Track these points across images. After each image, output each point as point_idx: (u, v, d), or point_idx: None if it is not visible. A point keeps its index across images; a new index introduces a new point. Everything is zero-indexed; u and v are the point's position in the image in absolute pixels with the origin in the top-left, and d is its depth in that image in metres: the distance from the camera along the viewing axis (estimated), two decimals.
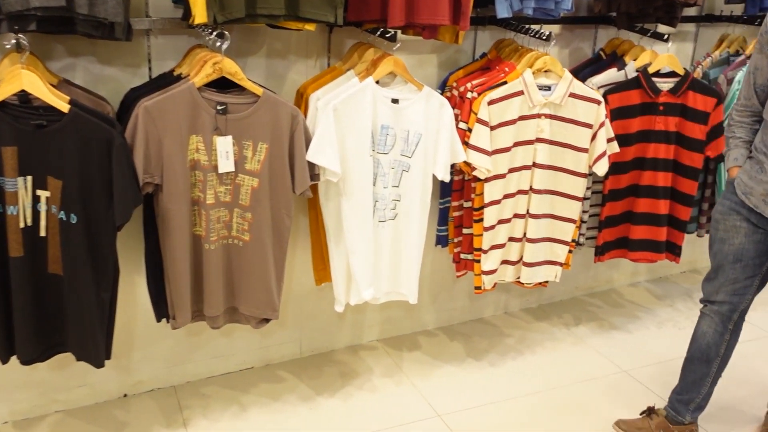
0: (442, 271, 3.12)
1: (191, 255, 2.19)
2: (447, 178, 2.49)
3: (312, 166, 2.24)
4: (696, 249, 3.81)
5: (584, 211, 2.98)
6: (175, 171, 2.09)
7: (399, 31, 2.40)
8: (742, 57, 3.07)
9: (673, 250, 3.01)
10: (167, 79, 2.19)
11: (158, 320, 2.36)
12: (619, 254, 3.07)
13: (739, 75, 2.95)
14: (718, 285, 2.29)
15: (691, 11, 3.21)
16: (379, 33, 2.33)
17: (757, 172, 2.15)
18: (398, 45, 2.33)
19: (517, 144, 2.60)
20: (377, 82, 2.34)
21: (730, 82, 3.01)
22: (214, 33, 2.08)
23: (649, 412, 2.52)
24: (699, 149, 2.85)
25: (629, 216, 2.99)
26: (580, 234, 3.00)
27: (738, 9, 3.22)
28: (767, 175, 2.12)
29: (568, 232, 2.76)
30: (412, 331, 3.17)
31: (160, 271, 2.24)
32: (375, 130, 2.34)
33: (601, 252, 3.05)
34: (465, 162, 2.54)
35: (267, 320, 2.38)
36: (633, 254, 3.04)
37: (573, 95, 2.59)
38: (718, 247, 2.27)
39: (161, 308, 2.31)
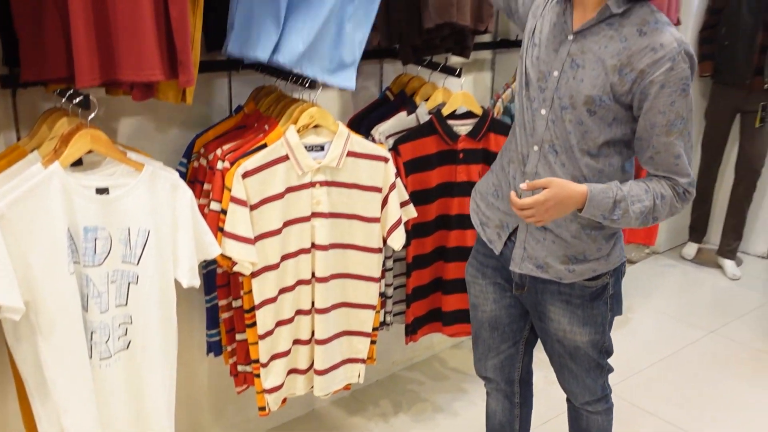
0: (226, 379, 2.45)
1: None
2: (196, 283, 1.84)
3: None
4: None
5: (387, 285, 2.45)
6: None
7: (92, 96, 1.70)
8: None
9: None
10: None
11: None
12: (432, 329, 2.58)
13: None
14: (482, 356, 2.06)
15: (484, 38, 2.80)
16: (67, 96, 1.64)
17: (494, 196, 1.87)
18: (93, 114, 1.65)
19: (288, 223, 2.00)
20: (79, 162, 1.65)
21: None
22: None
23: None
24: None
25: (439, 284, 2.50)
26: (386, 312, 2.47)
27: None
28: (503, 201, 1.82)
29: (367, 320, 2.20)
30: None
31: None
32: (75, 235, 1.64)
33: (412, 330, 2.53)
34: (222, 256, 1.91)
35: None
36: (448, 329, 2.55)
37: (353, 154, 2.04)
38: (473, 314, 2.04)
39: None
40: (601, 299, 1.81)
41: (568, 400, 2.04)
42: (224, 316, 2.18)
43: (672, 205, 1.65)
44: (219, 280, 2.15)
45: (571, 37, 1.66)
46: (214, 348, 2.27)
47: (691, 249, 4.27)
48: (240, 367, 2.20)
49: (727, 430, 2.66)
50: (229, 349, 2.21)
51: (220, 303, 2.17)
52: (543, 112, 1.70)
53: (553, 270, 1.77)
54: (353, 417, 2.75)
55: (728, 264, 4.04)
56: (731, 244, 4.06)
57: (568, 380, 1.95)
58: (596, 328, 1.82)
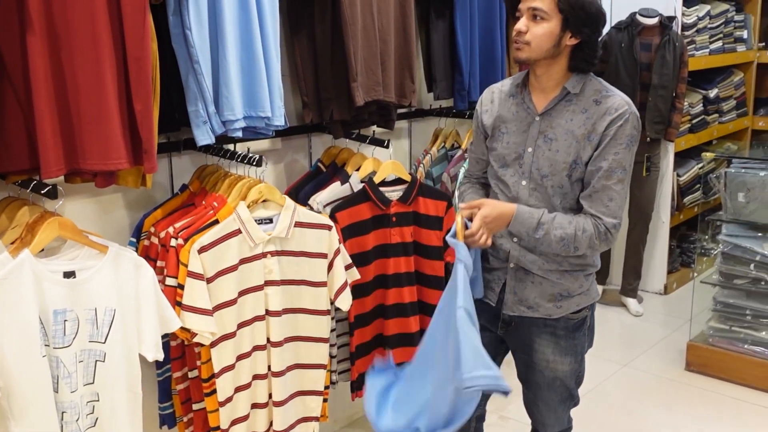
0: None
1: None
2: (160, 357, 1.92)
3: None
4: None
5: (332, 345, 2.57)
6: None
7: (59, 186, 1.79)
8: (460, 152, 2.96)
9: None
10: None
11: None
12: None
13: (462, 170, 2.82)
14: None
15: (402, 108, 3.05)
16: (32, 187, 1.72)
17: (486, 261, 2.06)
18: (60, 202, 1.74)
19: (243, 293, 2.11)
20: (41, 251, 1.72)
21: (454, 179, 2.87)
22: None
23: None
24: (438, 256, 2.62)
25: (380, 340, 2.65)
26: (331, 372, 2.59)
27: (447, 102, 3.14)
28: (488, 260, 2.05)
29: (319, 380, 2.32)
30: None
31: None
32: (45, 318, 1.70)
33: (358, 387, 2.65)
34: (182, 328, 1.99)
35: None
36: None
37: (300, 224, 2.19)
38: None
39: None
40: (581, 330, 2.03)
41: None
42: (180, 387, 2.24)
43: (591, 240, 1.87)
44: (173, 353, 2.22)
45: (538, 118, 1.91)
46: (168, 420, 2.31)
47: None
48: None
49: None
50: (185, 419, 2.26)
51: (175, 375, 2.23)
52: (524, 183, 1.94)
53: (543, 308, 1.99)
54: None
55: (631, 302, 4.40)
56: (632, 283, 4.43)
57: (542, 411, 2.12)
58: (576, 357, 2.03)
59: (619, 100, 1.88)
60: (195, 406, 2.22)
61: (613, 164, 1.85)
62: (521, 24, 1.83)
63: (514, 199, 1.96)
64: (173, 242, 2.05)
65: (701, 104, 4.74)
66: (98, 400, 1.83)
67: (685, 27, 4.35)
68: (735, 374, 3.41)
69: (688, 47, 4.29)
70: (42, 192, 1.70)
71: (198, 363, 2.14)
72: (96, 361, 1.81)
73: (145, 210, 2.23)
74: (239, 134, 2.15)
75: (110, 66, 1.66)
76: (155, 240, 2.13)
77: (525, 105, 1.95)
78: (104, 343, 1.81)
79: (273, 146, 2.65)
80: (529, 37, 1.82)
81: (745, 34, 5.05)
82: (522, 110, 1.95)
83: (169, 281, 2.04)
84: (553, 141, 1.90)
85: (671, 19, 4.10)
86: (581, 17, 1.80)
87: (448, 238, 1.86)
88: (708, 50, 4.66)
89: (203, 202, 2.18)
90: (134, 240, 2.20)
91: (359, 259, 2.48)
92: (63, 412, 1.76)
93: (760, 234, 3.35)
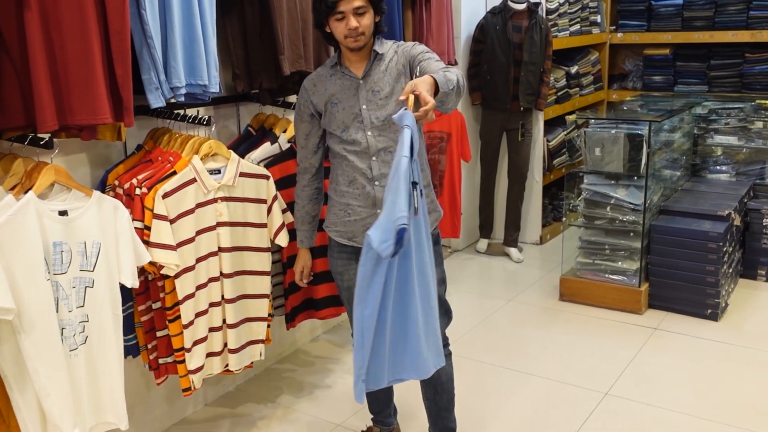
0: (132, 383, 2.83)
1: None
2: (137, 284, 2.29)
3: None
4: None
5: None
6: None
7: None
8: None
9: None
10: None
11: None
12: (307, 316, 3.17)
13: None
14: None
15: None
16: (28, 141, 2.05)
17: (347, 215, 2.40)
18: (56, 151, 2.07)
19: (199, 232, 2.51)
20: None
21: None
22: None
23: None
24: None
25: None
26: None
27: None
28: (357, 212, 2.39)
29: (263, 308, 2.75)
30: None
31: None
32: (47, 249, 2.04)
33: (291, 318, 3.10)
34: (150, 263, 2.36)
35: None
36: (319, 313, 3.16)
37: (243, 174, 2.61)
38: (348, 294, 2.44)
39: None
40: (438, 243, 2.51)
41: None
42: (144, 318, 2.59)
43: (458, 75, 2.23)
44: (136, 288, 2.57)
45: (361, 81, 2.36)
46: (132, 350, 2.66)
47: (482, 244, 5.25)
48: (161, 360, 2.62)
49: (539, 361, 3.52)
50: (149, 346, 2.63)
51: (139, 308, 2.59)
52: (369, 133, 2.35)
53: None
54: (244, 404, 3.22)
55: (513, 251, 5.06)
56: (513, 234, 5.09)
57: None
58: (441, 267, 2.48)
59: (410, 42, 2.41)
60: (159, 334, 2.59)
61: (425, 56, 2.32)
62: (353, 22, 2.26)
63: (366, 149, 2.33)
64: (137, 191, 2.41)
65: (564, 79, 5.46)
66: (88, 321, 2.18)
67: (549, 12, 5.03)
68: (598, 299, 4.11)
69: (552, 29, 4.97)
70: (40, 144, 2.03)
71: (161, 294, 2.51)
72: (86, 287, 2.16)
73: (106, 167, 2.57)
74: (182, 99, 2.52)
75: (96, 38, 2.01)
76: (120, 191, 2.47)
77: (347, 76, 2.35)
78: (92, 271, 2.16)
79: (206, 113, 3.02)
80: (362, 29, 2.28)
81: (599, 18, 5.83)
82: (346, 81, 2.35)
83: (136, 224, 2.40)
84: (379, 91, 2.34)
85: (537, 4, 4.75)
86: (378, 0, 2.32)
87: (396, 115, 2.00)
88: (568, 32, 5.37)
89: (159, 158, 2.55)
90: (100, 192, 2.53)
91: (289, 207, 2.91)
92: (63, 329, 2.10)
93: (613, 182, 4.05)
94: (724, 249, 3.90)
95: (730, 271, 4.13)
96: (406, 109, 1.92)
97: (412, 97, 1.95)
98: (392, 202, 1.81)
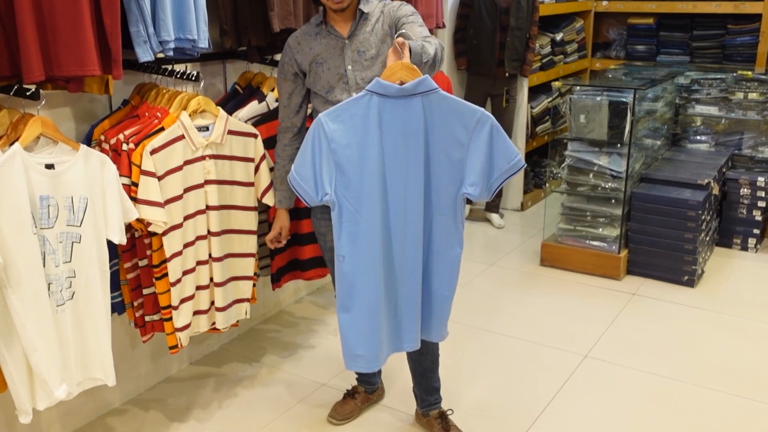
0: (117, 340, 2.82)
1: None
2: (124, 240, 2.27)
3: None
4: None
5: None
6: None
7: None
8: None
9: None
10: None
11: None
12: (292, 277, 3.17)
13: None
14: None
15: None
16: (13, 91, 2.00)
17: None
18: (43, 102, 2.03)
19: (187, 190, 2.48)
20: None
21: None
22: None
23: (352, 393, 2.82)
24: None
25: (296, 238, 3.10)
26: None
27: None
28: None
29: (249, 267, 2.74)
30: (98, 416, 2.82)
31: None
32: (33, 202, 2.01)
33: (276, 279, 3.10)
34: (137, 219, 2.34)
35: None
36: (305, 274, 3.16)
37: (231, 132, 2.58)
38: (331, 255, 2.50)
39: None
40: None
41: None
42: (130, 276, 2.57)
43: (436, 46, 2.26)
44: (123, 245, 2.55)
45: (347, 41, 2.36)
46: (117, 308, 2.64)
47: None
48: (147, 318, 2.61)
49: (520, 324, 3.57)
50: (135, 304, 2.61)
51: (126, 265, 2.57)
52: (354, 95, 2.29)
53: None
54: (229, 363, 3.24)
55: (494, 217, 5.09)
56: (495, 200, 5.12)
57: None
58: None
59: (396, 3, 2.41)
60: (145, 291, 2.58)
61: (410, 19, 2.34)
62: None
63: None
64: (124, 147, 2.37)
65: (549, 46, 5.45)
66: (75, 276, 2.16)
67: None
68: (578, 264, 4.17)
69: None
70: (27, 95, 1.98)
71: (148, 252, 2.49)
72: (73, 242, 2.14)
73: (91, 122, 2.52)
74: (171, 54, 2.48)
75: None
76: (106, 146, 2.43)
77: (332, 36, 2.38)
78: (79, 226, 2.14)
79: (192, 70, 2.97)
80: None
81: None
82: (331, 40, 2.38)
83: (123, 180, 2.36)
84: (365, 52, 2.35)
85: None
86: None
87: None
88: None
89: (146, 114, 2.51)
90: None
91: None
92: (50, 284, 2.08)
93: (596, 149, 4.08)
94: (703, 217, 3.97)
95: (707, 239, 4.20)
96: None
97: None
98: None
